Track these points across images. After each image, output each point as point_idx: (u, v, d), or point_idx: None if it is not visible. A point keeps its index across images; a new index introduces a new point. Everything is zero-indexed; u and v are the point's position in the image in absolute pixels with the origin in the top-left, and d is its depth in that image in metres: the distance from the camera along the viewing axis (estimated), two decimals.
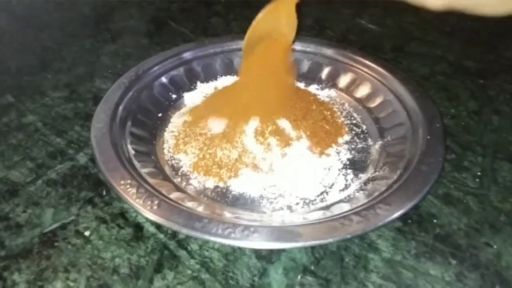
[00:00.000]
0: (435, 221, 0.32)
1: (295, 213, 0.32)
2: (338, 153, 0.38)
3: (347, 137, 0.40)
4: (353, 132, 0.41)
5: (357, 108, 0.43)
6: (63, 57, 0.53)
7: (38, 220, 0.33)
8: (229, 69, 0.48)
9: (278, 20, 0.37)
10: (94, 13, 0.65)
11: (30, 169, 0.37)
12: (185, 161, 0.37)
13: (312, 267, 0.29)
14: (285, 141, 0.36)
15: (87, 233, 0.31)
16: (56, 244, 0.31)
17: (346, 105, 0.44)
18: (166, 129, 0.41)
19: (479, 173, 0.36)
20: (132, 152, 0.36)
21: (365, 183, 0.35)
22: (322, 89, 0.47)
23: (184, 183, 0.35)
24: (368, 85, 0.44)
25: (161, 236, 0.31)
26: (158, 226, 0.32)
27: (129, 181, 0.31)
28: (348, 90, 0.45)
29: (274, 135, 0.36)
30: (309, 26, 0.61)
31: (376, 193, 0.32)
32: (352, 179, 0.35)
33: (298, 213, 0.32)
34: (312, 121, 0.38)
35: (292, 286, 0.28)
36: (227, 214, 0.31)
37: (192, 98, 0.45)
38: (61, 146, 0.39)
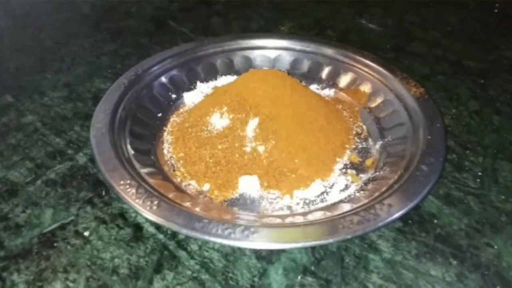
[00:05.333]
0: (435, 221, 0.32)
1: (295, 213, 0.32)
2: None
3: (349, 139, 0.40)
4: (354, 132, 0.40)
5: (357, 108, 0.43)
6: (62, 57, 0.53)
7: (37, 220, 0.32)
8: (229, 69, 0.48)
9: None
10: (93, 12, 0.65)
11: (29, 169, 0.37)
12: (185, 161, 0.37)
13: (312, 268, 0.29)
14: (285, 140, 0.36)
15: (86, 234, 0.31)
16: (55, 244, 0.31)
17: (347, 105, 0.44)
18: (166, 129, 0.41)
19: (480, 173, 0.36)
20: (132, 152, 0.36)
21: (366, 183, 0.34)
22: (322, 88, 0.47)
23: (183, 183, 0.35)
24: (369, 84, 0.44)
25: (161, 236, 0.31)
26: (158, 227, 0.32)
27: (128, 181, 0.31)
28: (349, 89, 0.45)
29: (275, 134, 0.36)
30: (309, 25, 0.61)
31: (377, 193, 0.32)
32: (352, 179, 0.35)
33: (298, 213, 0.32)
34: (316, 124, 0.38)
35: (292, 287, 0.28)
36: (227, 215, 0.31)
37: (192, 98, 0.45)
38: (61, 146, 0.39)
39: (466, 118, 0.43)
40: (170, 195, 0.32)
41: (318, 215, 0.31)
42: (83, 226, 0.32)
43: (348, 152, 0.38)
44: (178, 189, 0.34)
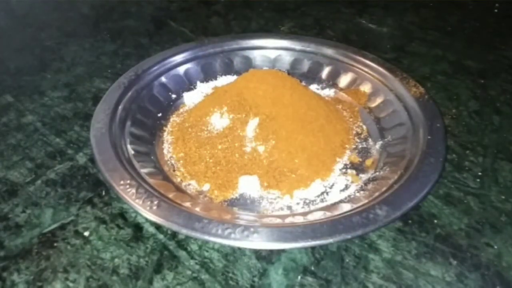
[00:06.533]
0: (435, 221, 0.32)
1: (295, 213, 0.32)
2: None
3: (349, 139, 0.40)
4: (354, 132, 0.40)
5: (357, 108, 0.43)
6: (62, 57, 0.53)
7: (37, 220, 0.32)
8: (229, 69, 0.48)
9: None
10: (93, 12, 0.65)
11: (29, 169, 0.37)
12: (185, 161, 0.37)
13: (312, 268, 0.29)
14: (285, 140, 0.36)
15: (86, 234, 0.31)
16: (55, 244, 0.31)
17: (347, 105, 0.44)
18: (166, 129, 0.41)
19: (479, 173, 0.36)
20: (132, 152, 0.36)
21: (366, 183, 0.34)
22: (322, 88, 0.47)
23: (183, 183, 0.35)
24: (369, 84, 0.44)
25: (161, 236, 0.31)
26: (158, 227, 0.32)
27: (128, 181, 0.31)
28: (349, 89, 0.45)
29: (275, 134, 0.36)
30: (310, 25, 0.61)
31: (377, 193, 0.32)
32: (352, 179, 0.35)
33: (298, 213, 0.32)
34: (316, 124, 0.38)
35: (292, 287, 0.28)
36: (227, 215, 0.31)
37: (192, 98, 0.45)
38: (61, 146, 0.39)
39: (466, 118, 0.43)
40: (170, 195, 0.32)
41: (318, 215, 0.31)
42: (83, 226, 0.32)
43: (348, 152, 0.38)
44: (178, 189, 0.34)
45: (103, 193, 0.35)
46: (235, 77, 0.47)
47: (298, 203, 0.33)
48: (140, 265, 0.29)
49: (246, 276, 0.28)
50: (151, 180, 0.33)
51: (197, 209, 0.31)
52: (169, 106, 0.44)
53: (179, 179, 0.35)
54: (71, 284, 0.28)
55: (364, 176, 0.36)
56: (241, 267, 0.29)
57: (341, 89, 0.46)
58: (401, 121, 0.39)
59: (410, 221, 0.32)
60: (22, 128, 0.42)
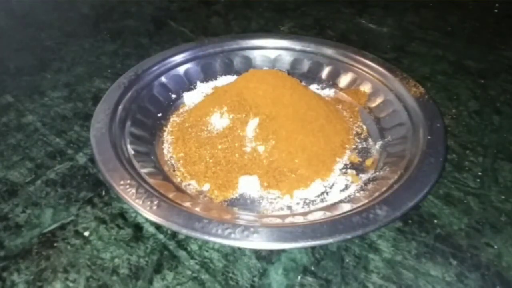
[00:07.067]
0: (435, 221, 0.32)
1: (295, 213, 0.32)
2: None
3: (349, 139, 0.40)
4: (354, 132, 0.40)
5: (357, 108, 0.43)
6: (62, 56, 0.53)
7: (38, 220, 0.32)
8: (229, 69, 0.48)
9: None
10: (93, 12, 0.65)
11: (29, 169, 0.37)
12: (185, 161, 0.37)
13: (312, 268, 0.29)
14: (285, 140, 0.36)
15: (86, 234, 0.31)
16: (55, 244, 0.31)
17: (347, 105, 0.44)
18: (166, 129, 0.41)
19: (479, 173, 0.36)
20: (132, 152, 0.36)
21: (366, 183, 0.34)
22: (322, 88, 0.47)
23: (183, 183, 0.35)
24: (369, 84, 0.44)
25: (161, 236, 0.31)
26: (158, 227, 0.32)
27: (128, 181, 0.31)
28: (349, 89, 0.45)
29: (275, 134, 0.36)
30: (310, 25, 0.61)
31: (377, 193, 0.32)
32: (352, 179, 0.35)
33: (298, 213, 0.32)
34: (316, 124, 0.38)
35: (292, 287, 0.28)
36: (227, 215, 0.31)
37: (192, 98, 0.45)
38: (61, 146, 0.39)
39: (466, 118, 0.43)
40: (170, 195, 0.32)
41: (318, 215, 0.31)
42: (83, 226, 0.32)
43: (348, 152, 0.38)
44: (178, 189, 0.34)
45: (103, 193, 0.35)
46: (235, 77, 0.47)
47: (298, 203, 0.33)
48: (140, 265, 0.29)
49: (246, 276, 0.28)
50: (151, 180, 0.33)
51: (197, 209, 0.31)
52: (169, 106, 0.44)
53: (179, 179, 0.35)
54: (71, 284, 0.28)
55: (364, 176, 0.36)
56: (241, 267, 0.29)
57: (341, 89, 0.46)
58: (401, 121, 0.39)
59: (410, 221, 0.32)
60: (22, 128, 0.42)
